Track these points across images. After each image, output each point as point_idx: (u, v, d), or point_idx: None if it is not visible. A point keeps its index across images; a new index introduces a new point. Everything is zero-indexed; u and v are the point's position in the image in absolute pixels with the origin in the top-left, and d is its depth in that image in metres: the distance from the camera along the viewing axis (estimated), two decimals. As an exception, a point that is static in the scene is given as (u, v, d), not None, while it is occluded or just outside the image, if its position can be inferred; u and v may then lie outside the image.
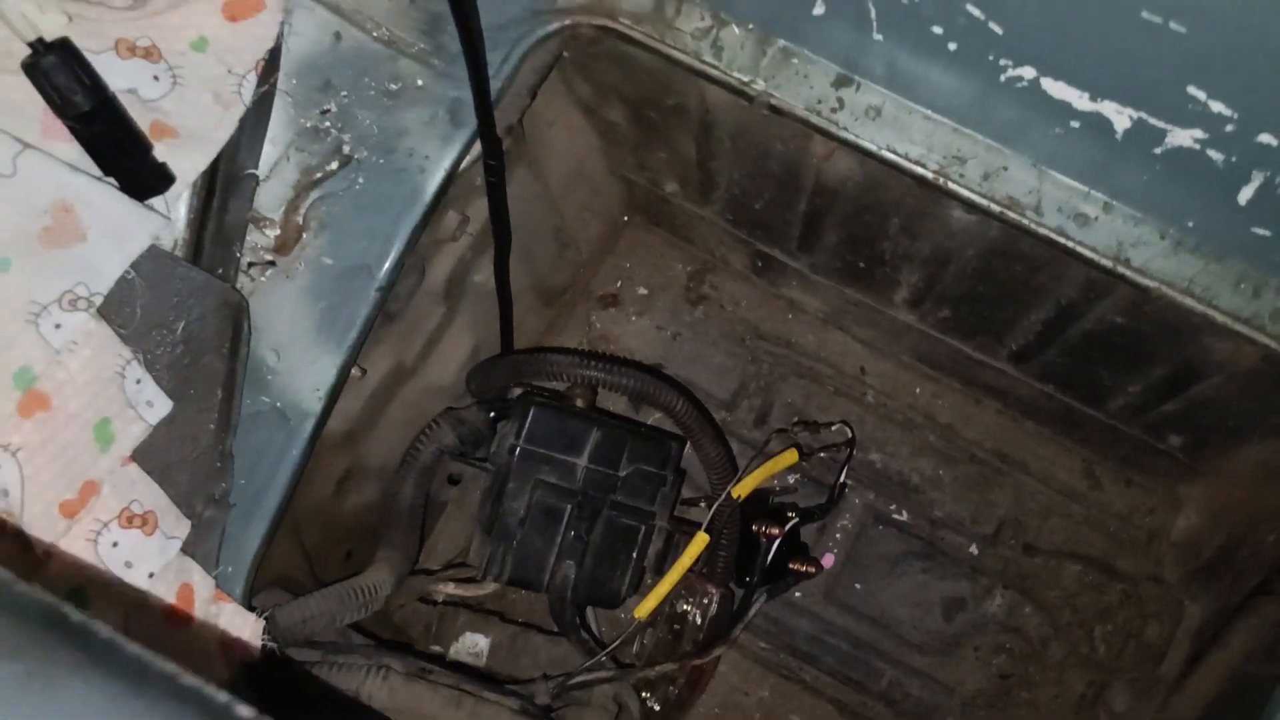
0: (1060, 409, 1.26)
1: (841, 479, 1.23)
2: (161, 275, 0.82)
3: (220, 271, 0.86)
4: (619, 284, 1.39)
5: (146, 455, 0.82)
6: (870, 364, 1.36)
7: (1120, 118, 0.75)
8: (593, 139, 1.22)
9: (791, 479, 1.33)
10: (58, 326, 0.77)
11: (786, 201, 1.12)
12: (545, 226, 1.24)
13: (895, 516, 1.34)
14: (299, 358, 0.87)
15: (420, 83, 0.89)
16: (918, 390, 1.36)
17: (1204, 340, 0.93)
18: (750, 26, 0.88)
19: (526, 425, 1.05)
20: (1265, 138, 0.70)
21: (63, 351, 0.77)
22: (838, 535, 1.34)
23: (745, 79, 0.88)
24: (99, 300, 0.78)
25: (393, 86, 0.89)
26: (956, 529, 1.33)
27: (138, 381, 0.80)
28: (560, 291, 1.34)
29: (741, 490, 1.09)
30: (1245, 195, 0.76)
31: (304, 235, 0.88)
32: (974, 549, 1.33)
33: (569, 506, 1.05)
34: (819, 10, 0.81)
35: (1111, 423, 1.22)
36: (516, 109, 0.98)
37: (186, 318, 0.83)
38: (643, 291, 1.39)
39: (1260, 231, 0.79)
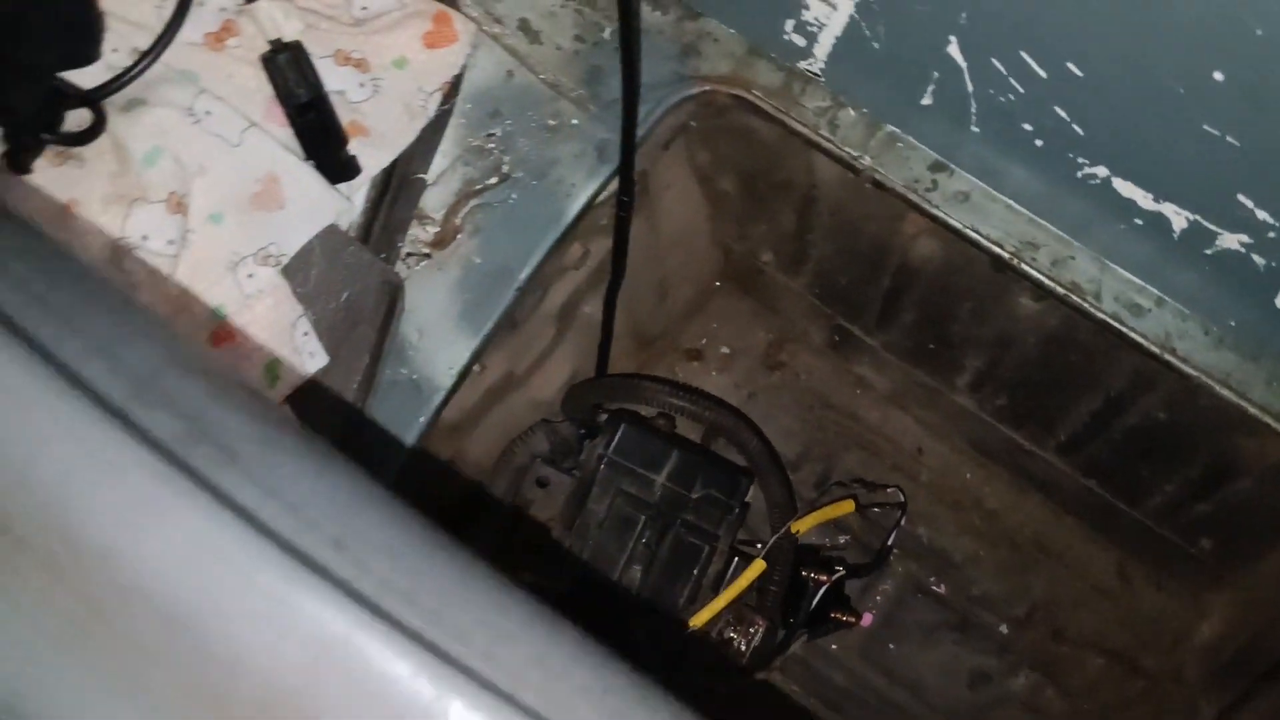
0: (1100, 505, 1.35)
1: (889, 542, 1.33)
2: (336, 249, 0.96)
3: (383, 256, 1.00)
4: (704, 341, 1.52)
5: (298, 400, 0.95)
6: (927, 445, 1.47)
7: (1178, 219, 0.87)
8: (703, 205, 1.36)
9: (843, 539, 1.43)
10: (250, 276, 0.91)
11: (870, 279, 1.25)
12: (650, 276, 1.37)
13: (934, 588, 1.43)
14: (439, 339, 1.00)
15: (575, 122, 1.04)
16: (968, 475, 1.46)
17: (1236, 439, 1.04)
18: (864, 110, 1.02)
19: (616, 439, 1.17)
20: (1301, 246, 0.81)
21: (251, 296, 0.91)
22: (879, 598, 1.43)
23: (855, 154, 1.02)
24: (285, 260, 0.93)
25: (551, 122, 1.04)
26: (990, 608, 1.42)
27: (305, 334, 0.94)
28: (653, 339, 1.47)
29: (800, 526, 1.19)
30: (1280, 299, 0.87)
31: (459, 235, 1.02)
32: (1004, 629, 1.41)
33: (643, 517, 1.16)
34: (926, 101, 0.95)
35: (1147, 523, 1.31)
36: (649, 158, 1.12)
37: (350, 289, 0.97)
38: (725, 351, 1.51)
39: (1292, 335, 0.90)
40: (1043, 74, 0.83)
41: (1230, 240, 0.85)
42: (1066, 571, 1.43)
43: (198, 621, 0.39)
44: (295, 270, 0.94)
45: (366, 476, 0.42)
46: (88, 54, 0.88)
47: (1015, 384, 1.24)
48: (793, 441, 1.47)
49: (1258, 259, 0.85)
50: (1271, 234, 0.82)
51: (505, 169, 1.02)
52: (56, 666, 0.38)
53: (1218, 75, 0.73)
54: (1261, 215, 0.81)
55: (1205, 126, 0.78)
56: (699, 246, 1.43)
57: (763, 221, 1.31)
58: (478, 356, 1.01)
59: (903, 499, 1.34)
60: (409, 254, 1.01)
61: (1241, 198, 0.81)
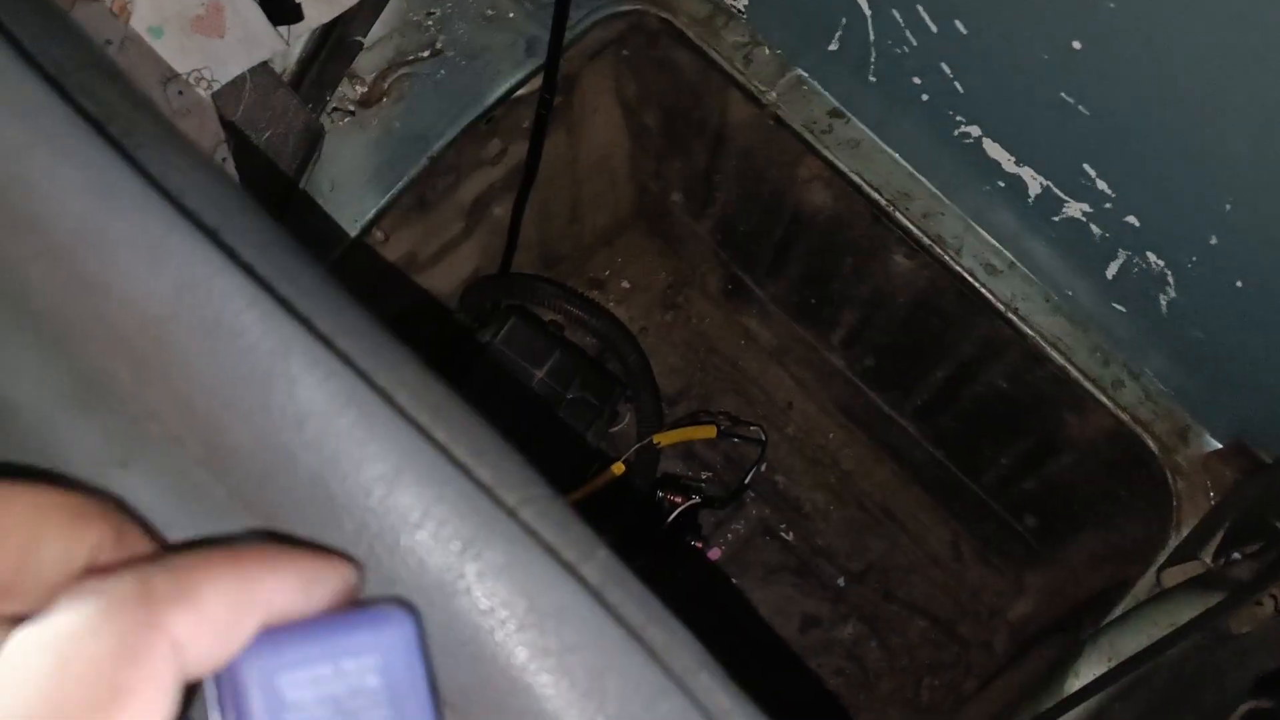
0: (945, 478, 1.45)
1: (746, 480, 1.42)
2: (268, 89, 1.01)
3: (310, 106, 1.05)
4: (607, 273, 1.59)
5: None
6: (798, 401, 1.55)
7: (1034, 183, 0.96)
8: (625, 139, 1.44)
9: (705, 475, 1.51)
10: (180, 93, 0.96)
11: (766, 228, 1.33)
12: (565, 196, 1.44)
13: (782, 534, 1.51)
14: (349, 193, 1.06)
15: (511, 15, 1.10)
16: (831, 435, 1.55)
17: (1062, 412, 1.13)
18: (778, 51, 1.10)
19: (505, 329, 1.23)
20: (1131, 219, 0.91)
21: (178, 112, 0.96)
22: (729, 535, 1.51)
23: (762, 89, 1.10)
24: (216, 87, 0.98)
25: (489, 12, 1.10)
26: (831, 560, 1.50)
27: (224, 159, 0.99)
28: (559, 260, 1.53)
29: (663, 439, 1.27)
30: (1111, 270, 0.97)
31: (384, 100, 1.08)
32: (841, 581, 1.50)
33: (516, 409, 1.23)
34: (833, 47, 1.03)
35: (984, 497, 1.41)
36: (577, 65, 1.19)
37: (274, 129, 1.02)
38: (625, 285, 1.59)
39: (1118, 307, 1.00)
40: (934, 28, 0.91)
41: (1075, 209, 0.95)
42: (906, 538, 1.52)
43: (79, 252, 0.44)
44: (225, 98, 0.99)
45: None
46: None
47: (882, 346, 1.33)
48: (675, 378, 1.55)
49: (1095, 229, 0.94)
50: (1108, 205, 0.91)
51: (439, 46, 1.09)
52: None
53: (1076, 44, 0.82)
54: (1101, 185, 0.90)
55: (1062, 94, 0.87)
56: (618, 179, 1.50)
57: (677, 159, 1.39)
58: (381, 216, 1.07)
59: (764, 438, 1.43)
60: (335, 109, 1.07)
61: (1086, 166, 0.90)
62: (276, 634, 0.35)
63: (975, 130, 0.97)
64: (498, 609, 0.40)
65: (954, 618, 1.49)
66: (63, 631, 0.26)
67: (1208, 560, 0.86)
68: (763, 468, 1.44)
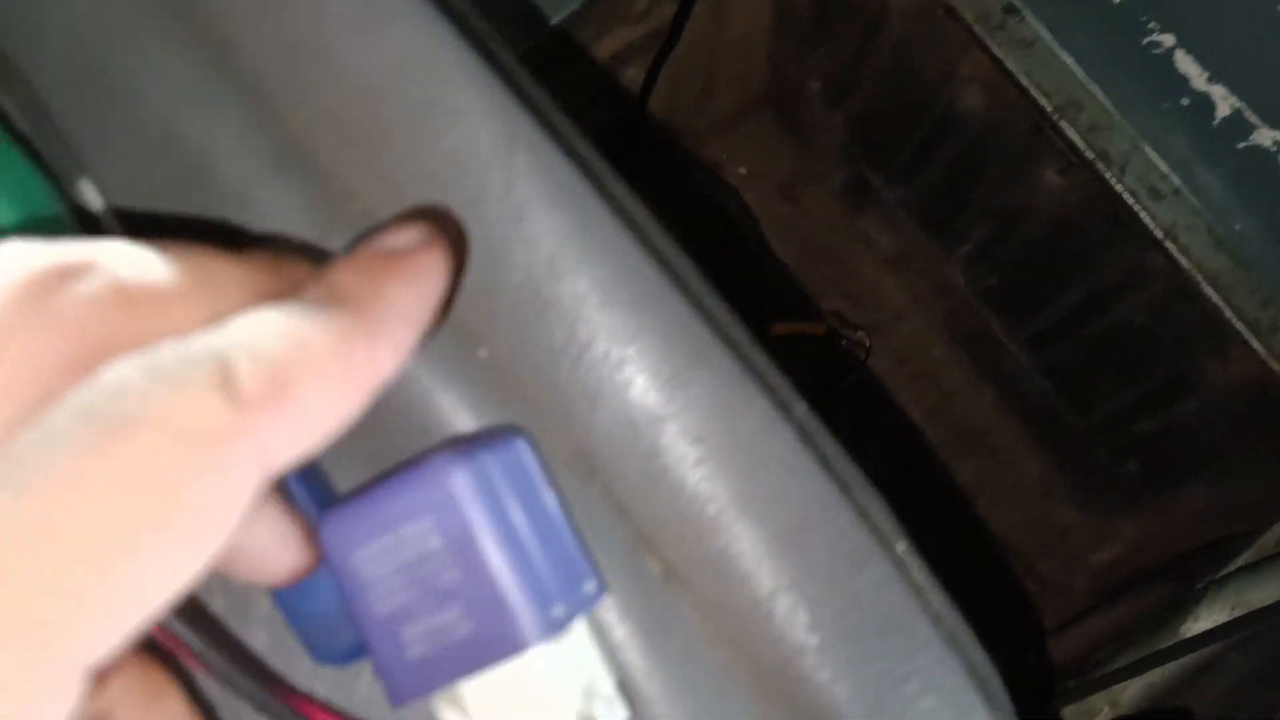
0: (1049, 412, 1.40)
1: (844, 384, 1.38)
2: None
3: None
4: (725, 156, 1.54)
5: None
6: (909, 313, 1.51)
7: (1224, 104, 0.90)
8: (770, 18, 1.37)
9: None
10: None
11: (908, 126, 1.27)
12: (698, 68, 1.39)
13: (868, 447, 1.48)
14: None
15: None
16: (936, 353, 1.50)
17: (1201, 356, 1.08)
18: (959, -66, 1.04)
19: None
20: (1330, 155, 0.85)
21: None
22: (818, 439, 1.48)
23: (937, -27, 1.04)
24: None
25: None
26: (913, 480, 1.47)
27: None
28: (680, 132, 1.49)
29: (780, 329, 1.24)
30: (1292, 210, 0.91)
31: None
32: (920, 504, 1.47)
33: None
34: (1024, -66, 0.96)
35: (1087, 437, 1.36)
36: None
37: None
38: (743, 172, 1.54)
39: (1289, 249, 0.94)
40: (1145, -79, 0.85)
41: (1265, 136, 0.88)
42: (998, 468, 1.48)
43: (293, 8, 0.40)
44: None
45: None
46: None
47: (1010, 265, 1.28)
48: (784, 273, 1.51)
49: (1283, 162, 0.88)
50: (1306, 135, 0.85)
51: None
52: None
53: (1311, -49, 0.75)
54: (1303, 114, 0.84)
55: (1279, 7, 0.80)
56: (755, 59, 1.44)
57: (823, 45, 1.33)
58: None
59: (868, 345, 1.39)
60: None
61: (1292, 91, 0.84)
62: (345, 508, 0.33)
63: (1169, 39, 0.91)
64: (705, 441, 0.38)
65: (1035, 555, 1.46)
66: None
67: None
68: (860, 377, 1.41)
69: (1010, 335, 1.37)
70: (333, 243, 0.38)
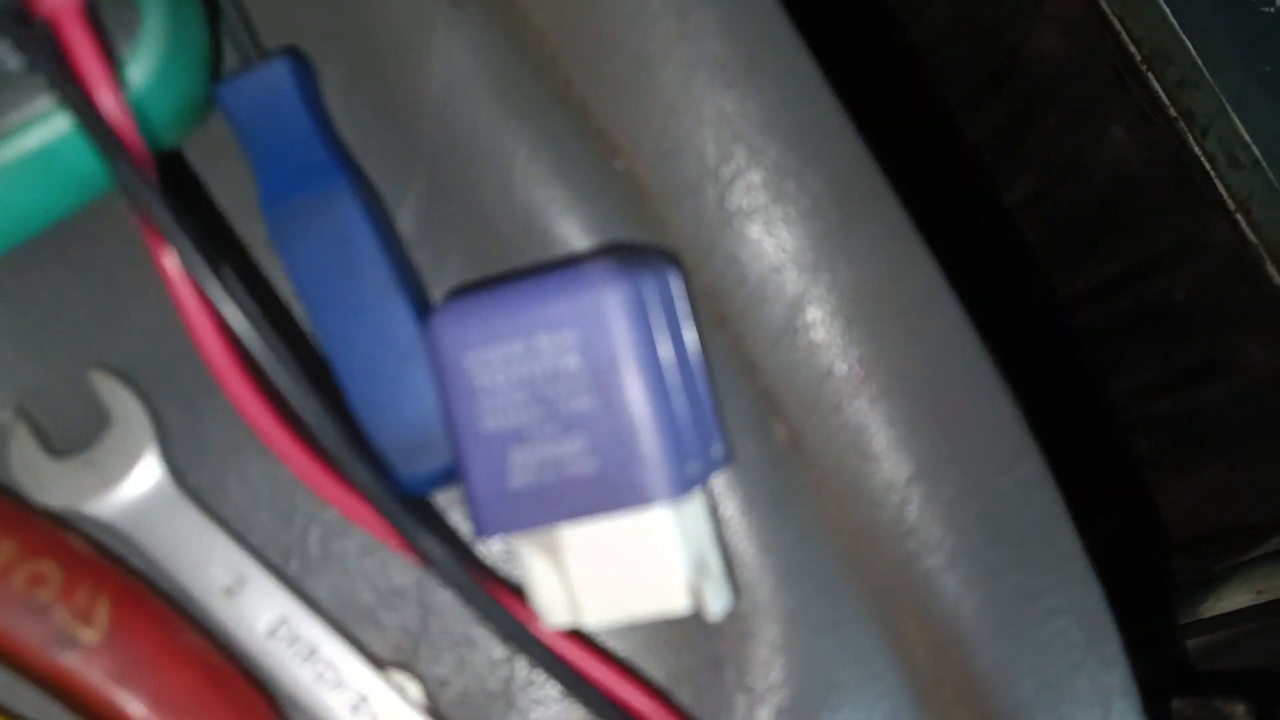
0: (1064, 383, 1.37)
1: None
2: None
3: None
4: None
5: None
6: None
7: (1329, 73, 0.85)
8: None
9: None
10: None
11: (973, 59, 1.22)
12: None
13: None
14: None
15: None
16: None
17: (1245, 338, 1.05)
18: None
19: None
20: None
21: None
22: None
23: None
24: None
25: None
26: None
27: None
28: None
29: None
30: (1380, 194, 0.87)
31: None
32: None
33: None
34: None
35: (1100, 414, 1.33)
36: None
37: None
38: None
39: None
40: None
41: (1367, 113, 0.84)
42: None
43: None
44: None
45: None
46: None
47: (1057, 221, 1.23)
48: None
49: (1384, 142, 0.84)
50: None
51: None
52: None
53: None
54: None
55: None
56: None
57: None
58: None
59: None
60: None
61: None
62: (465, 302, 0.28)
63: (1284, -2, 0.86)
64: (859, 300, 0.33)
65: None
66: None
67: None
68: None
69: (1043, 296, 1.33)
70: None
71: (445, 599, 0.32)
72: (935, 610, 0.32)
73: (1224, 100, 0.95)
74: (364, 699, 0.32)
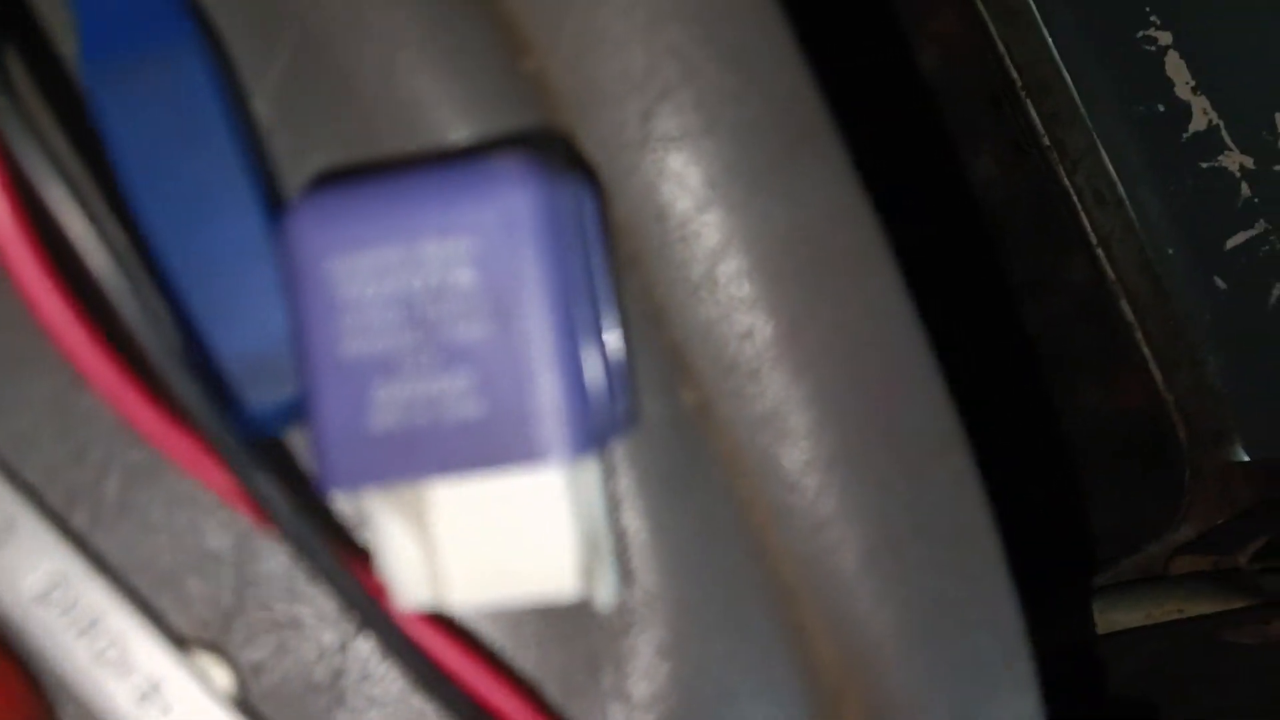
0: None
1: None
2: None
3: None
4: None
5: None
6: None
7: (1201, 119, 0.87)
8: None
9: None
10: None
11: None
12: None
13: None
14: None
15: None
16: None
17: (1086, 385, 1.06)
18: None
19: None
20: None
21: None
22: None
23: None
24: None
25: None
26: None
27: None
28: None
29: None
30: (1234, 241, 0.89)
31: None
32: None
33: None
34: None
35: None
36: None
37: None
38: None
39: (1219, 283, 0.92)
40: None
41: (1233, 160, 0.86)
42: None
43: None
44: None
45: None
46: None
47: (911, 248, 1.24)
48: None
49: (1245, 190, 0.86)
50: (1277, 166, 0.83)
51: None
52: None
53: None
54: (1284, 140, 0.82)
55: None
56: None
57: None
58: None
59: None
60: None
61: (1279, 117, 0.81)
62: (332, 194, 0.23)
63: (1165, 38, 0.87)
64: (788, 252, 0.29)
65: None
66: None
67: (1242, 561, 0.80)
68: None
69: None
70: None
71: (269, 569, 0.27)
72: (847, 614, 0.28)
73: (1096, 137, 0.96)
74: (155, 686, 0.25)
